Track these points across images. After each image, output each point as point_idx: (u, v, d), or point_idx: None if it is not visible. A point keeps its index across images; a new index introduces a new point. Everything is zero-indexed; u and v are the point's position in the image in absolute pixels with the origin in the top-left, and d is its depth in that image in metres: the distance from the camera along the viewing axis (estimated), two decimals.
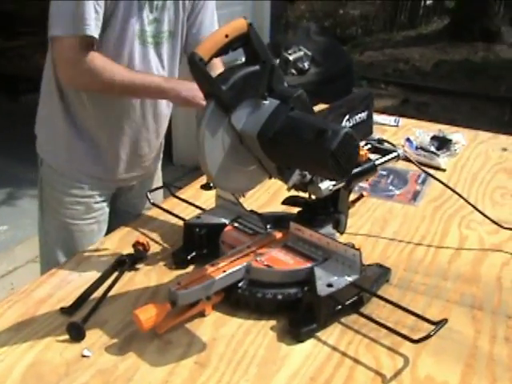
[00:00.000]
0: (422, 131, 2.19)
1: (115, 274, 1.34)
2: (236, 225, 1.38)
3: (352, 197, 1.40)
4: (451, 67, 7.37)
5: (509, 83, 6.47)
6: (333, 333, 1.16)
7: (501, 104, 5.90)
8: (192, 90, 1.38)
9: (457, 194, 1.59)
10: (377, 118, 2.28)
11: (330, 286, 1.15)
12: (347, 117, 1.34)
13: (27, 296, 1.28)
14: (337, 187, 1.28)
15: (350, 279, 1.18)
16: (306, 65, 3.20)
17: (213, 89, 1.03)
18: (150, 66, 1.54)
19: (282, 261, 1.23)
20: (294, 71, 3.25)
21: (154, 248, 1.45)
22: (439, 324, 1.11)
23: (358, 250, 1.19)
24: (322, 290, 1.14)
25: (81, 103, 1.55)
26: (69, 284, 1.32)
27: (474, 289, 1.33)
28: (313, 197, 1.32)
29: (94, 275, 1.33)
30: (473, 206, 1.59)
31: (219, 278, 1.17)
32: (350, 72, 4.33)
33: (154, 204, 1.61)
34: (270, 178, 1.22)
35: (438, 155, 2.02)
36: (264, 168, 1.18)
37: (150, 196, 1.61)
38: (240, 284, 1.21)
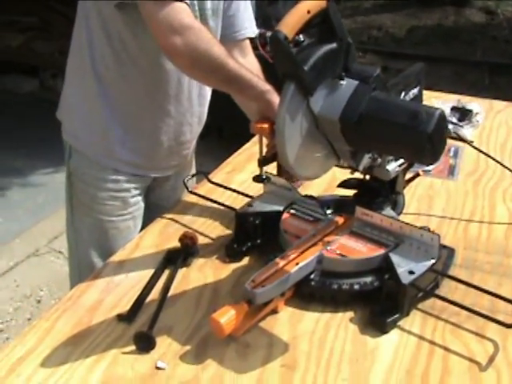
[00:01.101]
0: (441, 102, 2.15)
1: (167, 272, 1.28)
2: (292, 211, 1.32)
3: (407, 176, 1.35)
4: (425, 32, 7.35)
5: (483, 47, 6.48)
6: (414, 320, 1.13)
7: (479, 68, 5.91)
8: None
9: (505, 167, 1.55)
10: None
11: (411, 272, 1.11)
12: (403, 94, 1.28)
13: (75, 303, 1.19)
14: (402, 168, 1.22)
15: (428, 264, 1.13)
16: (302, 36, 3.10)
17: (295, 70, 0.95)
18: None
19: (355, 248, 1.18)
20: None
21: (201, 240, 1.38)
22: None
23: (437, 234, 1.14)
24: (404, 277, 1.09)
25: (122, 86, 1.43)
26: (118, 287, 1.24)
27: None
28: (367, 177, 1.27)
29: (142, 275, 1.26)
30: None
31: (294, 271, 1.11)
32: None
33: (192, 192, 1.54)
34: (339, 162, 1.16)
35: (461, 127, 1.99)
36: (335, 153, 1.12)
37: (185, 183, 1.53)
38: (312, 276, 1.15)
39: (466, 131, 1.97)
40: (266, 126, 1.24)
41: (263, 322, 1.12)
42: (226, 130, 4.25)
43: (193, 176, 1.61)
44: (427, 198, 1.57)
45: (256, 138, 1.96)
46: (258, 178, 1.34)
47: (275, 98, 1.23)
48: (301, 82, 0.97)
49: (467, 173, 1.71)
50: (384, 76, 1.04)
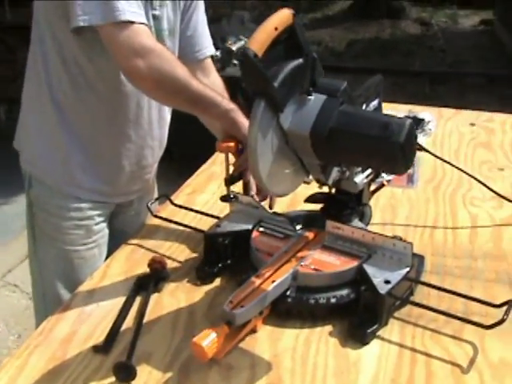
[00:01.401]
0: (393, 113, 2.19)
1: (138, 299, 1.25)
2: (262, 229, 1.31)
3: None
4: (364, 46, 7.54)
5: (421, 57, 6.69)
6: (392, 329, 1.13)
7: (418, 78, 6.09)
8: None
9: (468, 174, 1.60)
10: None
11: (387, 282, 1.12)
12: (364, 106, 1.30)
13: (47, 337, 1.14)
14: (369, 179, 1.24)
15: (403, 272, 1.14)
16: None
17: (266, 87, 0.95)
18: None
19: (328, 262, 1.18)
20: (236, 62, 3.15)
21: (169, 264, 1.36)
22: (502, 306, 1.10)
23: (409, 242, 1.16)
24: (381, 287, 1.10)
25: (81, 111, 1.40)
26: (90, 317, 1.20)
27: (504, 265, 1.34)
28: (333, 191, 1.28)
29: (113, 303, 1.23)
30: (484, 184, 1.61)
31: (271, 289, 1.10)
32: None
33: (156, 216, 1.51)
34: (307, 178, 1.16)
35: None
36: (304, 168, 1.12)
37: (149, 207, 1.50)
38: (288, 292, 1.15)
39: (420, 140, 2.01)
40: (231, 144, 1.24)
41: (243, 343, 1.10)
42: (175, 152, 4.22)
43: (156, 200, 1.58)
44: (390, 208, 1.59)
45: (213, 159, 1.96)
46: (225, 198, 1.33)
47: (239, 117, 1.23)
48: (271, 99, 0.97)
49: (426, 180, 1.75)
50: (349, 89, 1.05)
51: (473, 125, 2.19)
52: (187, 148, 2.78)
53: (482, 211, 1.58)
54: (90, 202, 1.46)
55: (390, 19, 8.36)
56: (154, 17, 1.37)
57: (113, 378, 1.02)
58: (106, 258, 1.52)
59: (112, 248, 1.52)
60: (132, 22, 1.21)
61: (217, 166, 1.89)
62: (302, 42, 1.00)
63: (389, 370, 1.03)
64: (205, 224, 1.50)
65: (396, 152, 0.94)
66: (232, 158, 1.32)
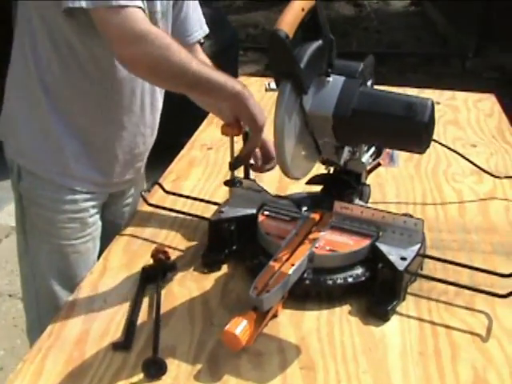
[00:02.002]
0: None
1: (149, 292, 1.22)
2: (267, 213, 1.31)
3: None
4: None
5: (357, 38, 6.80)
6: (408, 304, 1.16)
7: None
8: (260, 108, 1.24)
9: (456, 152, 1.65)
10: None
11: (403, 259, 1.14)
12: None
13: (58, 338, 1.09)
14: (373, 158, 1.26)
15: (415, 248, 1.17)
16: (201, 38, 3.08)
17: (293, 68, 0.94)
18: None
19: (342, 243, 1.19)
20: None
21: (170, 253, 1.33)
22: (511, 276, 1.15)
23: (420, 219, 1.19)
24: (399, 264, 1.12)
25: (72, 97, 1.33)
26: (100, 314, 1.16)
27: (497, 237, 1.40)
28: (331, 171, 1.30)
29: (121, 297, 1.20)
30: (467, 158, 1.66)
31: (292, 272, 1.10)
32: (236, 43, 4.27)
33: (152, 204, 1.48)
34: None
35: None
36: (317, 149, 1.12)
37: (143, 195, 1.47)
38: (305, 275, 1.15)
39: None
40: (237, 127, 1.22)
41: (266, 328, 1.10)
42: None
43: (149, 188, 1.55)
44: (378, 187, 1.62)
45: (191, 143, 1.94)
46: (230, 183, 1.31)
47: (247, 98, 1.21)
48: (297, 81, 0.96)
49: (405, 159, 1.79)
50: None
51: (438, 103, 2.25)
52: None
53: (465, 186, 1.63)
54: (85, 193, 1.40)
55: (323, 0, 8.42)
56: None
57: (140, 375, 1.00)
58: (100, 251, 1.47)
59: (103, 240, 1.48)
60: (126, 6, 1.17)
61: (196, 151, 1.87)
62: (322, 24, 0.99)
63: (414, 343, 1.06)
64: (196, 210, 1.48)
65: (421, 131, 0.96)
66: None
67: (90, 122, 1.36)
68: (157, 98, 1.47)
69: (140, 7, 1.19)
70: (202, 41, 1.57)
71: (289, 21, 0.93)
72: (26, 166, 1.37)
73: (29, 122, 1.35)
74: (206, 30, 1.55)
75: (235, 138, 1.27)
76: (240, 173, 1.36)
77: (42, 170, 1.36)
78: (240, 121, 1.22)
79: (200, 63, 1.23)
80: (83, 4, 1.16)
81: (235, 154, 1.27)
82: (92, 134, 1.37)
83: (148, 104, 1.44)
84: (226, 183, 1.33)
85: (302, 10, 0.94)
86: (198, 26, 1.52)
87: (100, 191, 1.44)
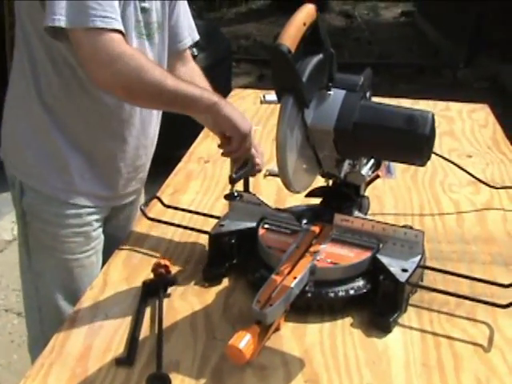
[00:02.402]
0: None
1: (150, 306, 1.22)
2: (267, 226, 1.31)
3: None
4: None
5: (349, 49, 6.84)
6: (410, 316, 1.17)
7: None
8: (241, 115, 1.25)
9: (452, 162, 1.66)
10: None
11: (404, 270, 1.15)
12: None
13: (60, 354, 1.08)
14: (372, 171, 1.27)
15: (416, 260, 1.18)
16: (195, 50, 3.10)
17: (295, 82, 0.95)
18: None
19: (343, 255, 1.20)
20: None
21: (171, 267, 1.33)
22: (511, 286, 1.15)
23: (420, 230, 1.19)
24: (400, 276, 1.13)
25: (74, 114, 1.34)
26: (102, 329, 1.15)
27: (495, 247, 1.41)
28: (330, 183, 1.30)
29: (122, 312, 1.20)
30: (463, 169, 1.67)
31: (294, 285, 1.10)
32: (230, 55, 4.29)
33: (151, 218, 1.48)
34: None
35: None
36: (318, 163, 1.13)
37: (143, 209, 1.47)
38: (307, 288, 1.16)
39: None
40: None
41: (269, 342, 1.10)
42: None
43: (148, 201, 1.55)
44: (376, 199, 1.63)
45: (187, 156, 1.94)
46: (229, 197, 1.32)
47: (224, 109, 1.22)
48: (299, 95, 0.97)
49: (402, 170, 1.80)
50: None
51: None
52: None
53: (462, 197, 1.65)
54: (88, 207, 1.41)
55: None
56: (143, 9, 1.34)
57: None
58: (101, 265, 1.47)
59: (104, 255, 1.48)
60: (102, 29, 1.17)
61: (193, 164, 1.87)
62: (323, 37, 1.00)
63: (417, 355, 1.07)
64: (195, 224, 1.48)
65: (422, 144, 0.97)
66: None
67: (93, 138, 1.37)
68: (158, 111, 1.48)
69: (117, 29, 1.20)
70: (196, 53, 1.58)
71: (291, 35, 0.94)
72: (29, 184, 1.38)
73: (31, 140, 1.35)
74: (196, 37, 1.57)
75: None
76: (240, 186, 1.36)
77: (46, 188, 1.37)
78: (224, 133, 1.23)
79: (175, 79, 1.24)
80: (62, 24, 1.16)
81: (234, 168, 1.28)
82: (95, 150, 1.38)
83: (148, 116, 1.44)
84: (226, 197, 1.33)
85: (304, 24, 0.95)
86: (188, 32, 1.53)
87: (104, 205, 1.45)
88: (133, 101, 1.30)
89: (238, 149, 1.26)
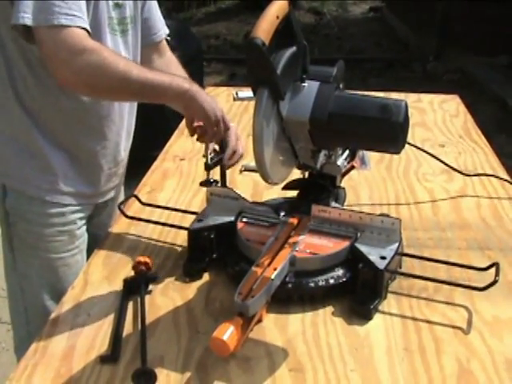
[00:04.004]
0: None
1: (132, 303, 1.22)
2: (245, 220, 1.32)
3: None
4: None
5: (319, 46, 6.88)
6: (390, 302, 1.18)
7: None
8: (213, 101, 1.25)
9: (426, 151, 1.68)
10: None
11: (383, 258, 1.16)
12: None
13: (44, 355, 1.08)
14: (347, 161, 1.28)
15: (394, 247, 1.19)
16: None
17: (270, 75, 0.96)
18: None
19: (322, 245, 1.21)
20: None
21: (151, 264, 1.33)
22: (488, 269, 1.18)
23: (397, 218, 1.21)
24: (379, 263, 1.14)
25: (52, 114, 1.33)
26: (84, 328, 1.15)
27: (471, 233, 1.43)
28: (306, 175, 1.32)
29: (104, 311, 1.19)
30: (437, 158, 1.70)
31: (275, 276, 1.11)
32: (200, 54, 4.28)
33: (130, 217, 1.47)
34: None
35: None
36: (294, 155, 1.14)
37: (121, 208, 1.47)
38: (287, 278, 1.17)
39: None
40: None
41: (252, 333, 1.10)
42: None
43: (126, 200, 1.54)
44: (352, 190, 1.64)
45: (163, 155, 1.94)
46: (205, 183, 1.33)
47: (198, 96, 1.22)
48: (273, 87, 0.98)
49: (376, 161, 1.82)
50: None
51: None
52: None
53: (436, 185, 1.67)
54: (72, 205, 1.40)
55: None
56: (117, 5, 1.34)
57: None
58: None
59: (87, 253, 1.47)
60: (67, 26, 1.16)
61: (169, 162, 1.87)
62: (296, 30, 1.01)
63: (398, 340, 1.08)
64: (174, 221, 1.48)
65: (397, 131, 0.98)
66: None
67: (74, 136, 1.36)
68: (134, 103, 1.48)
69: (82, 27, 1.19)
70: None
71: (264, 28, 0.94)
72: (11, 185, 1.37)
73: (12, 142, 1.35)
74: (167, 30, 1.57)
75: None
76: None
77: (29, 188, 1.37)
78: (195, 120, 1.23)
79: (142, 69, 1.24)
80: (27, 22, 1.16)
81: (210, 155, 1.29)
82: (76, 148, 1.38)
83: (126, 111, 1.44)
84: (202, 184, 1.34)
85: (277, 17, 0.96)
86: (161, 24, 1.54)
87: (88, 202, 1.45)
88: (99, 96, 1.29)
89: (211, 135, 1.26)
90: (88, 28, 1.20)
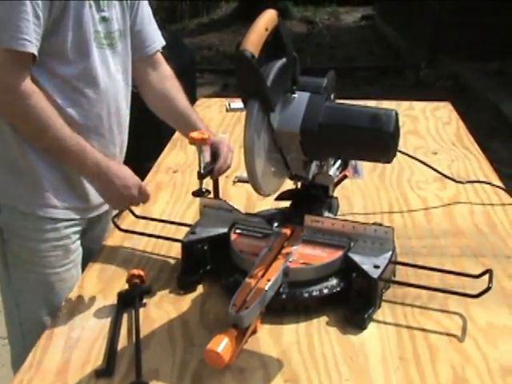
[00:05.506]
0: None
1: (127, 316, 1.21)
2: (239, 231, 1.32)
3: None
4: None
5: (311, 55, 6.91)
6: (384, 311, 1.18)
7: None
8: (126, 179, 1.31)
9: (413, 158, 1.69)
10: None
11: (376, 267, 1.17)
12: None
13: (38, 370, 1.07)
14: (339, 171, 1.29)
15: (387, 256, 1.20)
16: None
17: (260, 87, 0.96)
18: (111, 72, 1.39)
19: (315, 255, 1.21)
20: None
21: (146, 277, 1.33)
22: (482, 276, 1.18)
23: (390, 227, 1.21)
24: (373, 272, 1.15)
25: None
26: (79, 342, 1.15)
27: (464, 240, 1.44)
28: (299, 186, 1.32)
29: (99, 324, 1.19)
30: (430, 166, 1.71)
31: (268, 287, 1.11)
32: (193, 65, 4.28)
33: (124, 230, 1.47)
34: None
35: None
36: (286, 165, 1.15)
37: (115, 221, 1.47)
38: (281, 289, 1.17)
39: None
40: (205, 136, 1.28)
41: (247, 345, 1.10)
42: None
43: (119, 213, 1.54)
44: (345, 199, 1.65)
45: (156, 167, 1.94)
46: (197, 193, 1.33)
47: (113, 172, 1.30)
48: (264, 99, 0.98)
49: (369, 169, 1.83)
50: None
51: None
52: None
53: (429, 193, 1.68)
54: (66, 220, 1.40)
55: None
56: (104, 19, 1.34)
57: None
58: None
59: (82, 267, 1.47)
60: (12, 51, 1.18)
61: (162, 175, 1.87)
62: (286, 42, 1.02)
63: (393, 349, 1.08)
64: (168, 233, 1.48)
65: (388, 141, 0.99)
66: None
67: None
68: (124, 117, 1.48)
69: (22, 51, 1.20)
70: None
71: (254, 41, 0.95)
72: (4, 202, 1.37)
73: (3, 159, 1.35)
74: (163, 42, 1.57)
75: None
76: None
77: (22, 205, 1.37)
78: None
79: (68, 127, 1.28)
80: None
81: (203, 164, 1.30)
82: None
83: (115, 125, 1.45)
84: (194, 193, 1.34)
85: (266, 29, 0.96)
86: (156, 36, 1.54)
87: (81, 216, 1.44)
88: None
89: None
90: (34, 52, 1.21)
